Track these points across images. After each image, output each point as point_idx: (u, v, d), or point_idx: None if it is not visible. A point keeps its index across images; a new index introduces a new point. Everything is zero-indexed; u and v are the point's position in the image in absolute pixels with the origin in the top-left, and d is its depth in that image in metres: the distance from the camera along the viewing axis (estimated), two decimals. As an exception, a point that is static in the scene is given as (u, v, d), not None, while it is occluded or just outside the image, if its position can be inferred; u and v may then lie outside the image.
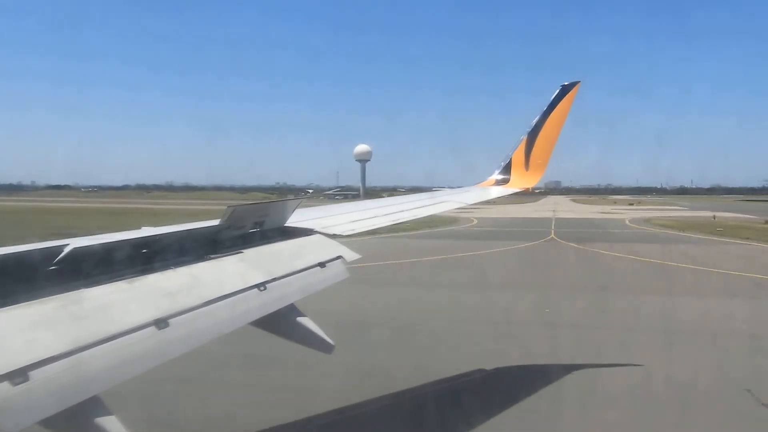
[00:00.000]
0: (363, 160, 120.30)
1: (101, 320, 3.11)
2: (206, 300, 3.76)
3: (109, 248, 3.77)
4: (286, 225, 5.59)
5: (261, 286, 4.29)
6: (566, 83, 10.98)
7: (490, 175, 11.72)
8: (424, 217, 8.63)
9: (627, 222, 69.01)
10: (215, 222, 4.69)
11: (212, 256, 4.42)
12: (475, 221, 63.39)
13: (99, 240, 3.86)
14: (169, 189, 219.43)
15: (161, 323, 3.33)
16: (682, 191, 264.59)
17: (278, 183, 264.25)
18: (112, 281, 3.49)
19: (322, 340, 5.00)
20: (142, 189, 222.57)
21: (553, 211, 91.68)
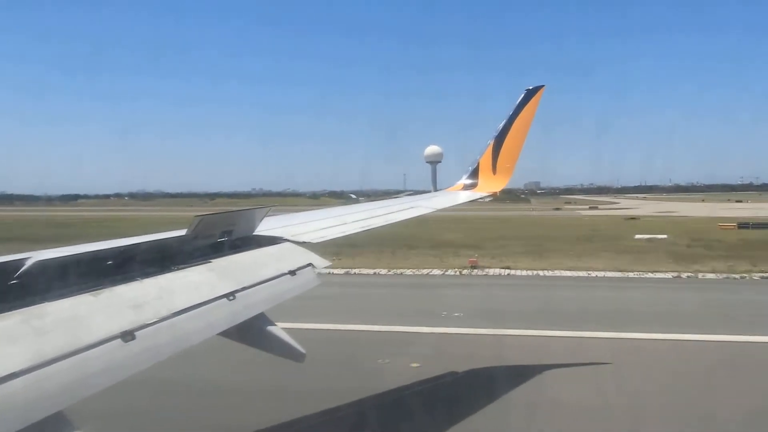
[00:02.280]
0: (434, 161, 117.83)
1: (65, 334, 3.05)
2: (174, 311, 3.72)
3: (73, 261, 3.70)
4: (255, 233, 5.56)
5: (230, 295, 4.26)
6: (530, 87, 11.16)
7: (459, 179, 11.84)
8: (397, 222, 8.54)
9: None
10: (183, 232, 4.64)
11: (180, 266, 4.37)
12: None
13: (63, 252, 3.78)
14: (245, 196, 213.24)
15: (128, 336, 3.28)
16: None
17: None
18: (77, 294, 3.43)
19: (293, 349, 4.98)
20: (206, 197, 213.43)
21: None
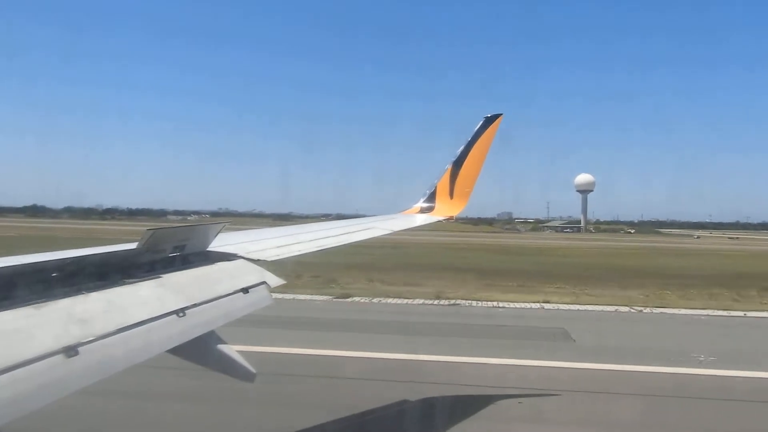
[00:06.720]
0: (585, 190, 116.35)
1: (3, 348, 2.93)
2: (120, 326, 3.61)
3: (15, 272, 3.56)
4: (208, 249, 5.48)
5: (180, 312, 4.17)
6: (489, 115, 11.41)
7: (416, 203, 11.94)
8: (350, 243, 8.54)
9: None
10: (133, 245, 4.53)
11: (128, 280, 4.26)
12: None
13: (4, 262, 3.65)
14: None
15: (70, 351, 3.17)
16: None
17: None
18: (17, 307, 3.30)
19: (243, 368, 4.91)
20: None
21: None
